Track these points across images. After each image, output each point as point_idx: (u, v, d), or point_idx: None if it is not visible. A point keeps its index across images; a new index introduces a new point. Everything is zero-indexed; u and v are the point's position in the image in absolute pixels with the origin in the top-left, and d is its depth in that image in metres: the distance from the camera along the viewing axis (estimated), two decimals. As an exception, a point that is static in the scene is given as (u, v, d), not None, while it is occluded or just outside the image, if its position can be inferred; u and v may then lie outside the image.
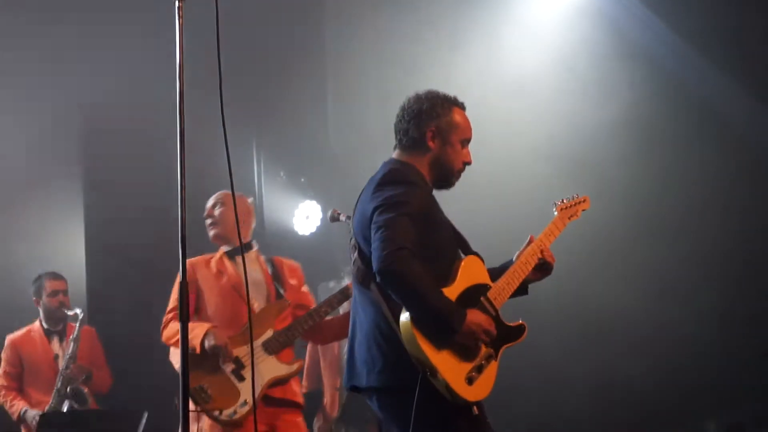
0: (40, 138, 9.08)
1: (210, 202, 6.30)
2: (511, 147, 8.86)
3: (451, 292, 4.41)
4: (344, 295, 6.04)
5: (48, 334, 7.88)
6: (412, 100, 4.75)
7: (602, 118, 8.58)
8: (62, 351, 7.79)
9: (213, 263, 6.18)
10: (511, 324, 4.65)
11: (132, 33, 8.37)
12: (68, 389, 7.56)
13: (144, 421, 7.43)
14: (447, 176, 4.71)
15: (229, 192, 5.38)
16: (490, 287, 4.59)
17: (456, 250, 4.67)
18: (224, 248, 6.22)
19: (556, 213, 5.02)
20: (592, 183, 7.74)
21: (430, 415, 4.30)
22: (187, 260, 4.07)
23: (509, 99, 8.98)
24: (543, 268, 4.81)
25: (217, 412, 5.74)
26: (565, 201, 5.07)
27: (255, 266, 6.21)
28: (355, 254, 4.57)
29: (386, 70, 9.08)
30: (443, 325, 4.33)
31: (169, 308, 6.13)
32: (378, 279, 4.34)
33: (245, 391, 5.79)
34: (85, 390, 7.62)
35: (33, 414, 7.55)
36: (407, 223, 4.36)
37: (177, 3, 4.23)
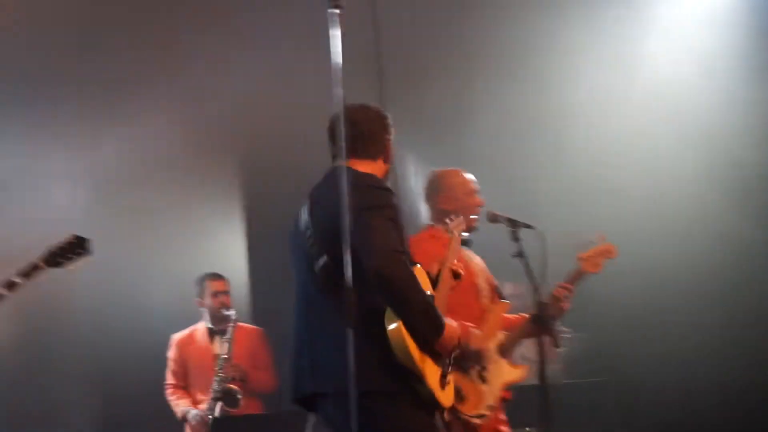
0: (198, 140, 9.19)
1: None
2: (648, 158, 8.71)
3: None
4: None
5: (211, 334, 7.97)
6: (370, 111, 4.83)
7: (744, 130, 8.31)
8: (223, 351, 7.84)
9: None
10: None
11: (289, 39, 8.36)
12: (220, 390, 7.62)
13: (311, 422, 7.49)
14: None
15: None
16: (434, 298, 4.60)
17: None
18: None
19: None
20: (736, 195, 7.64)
21: (411, 422, 4.35)
22: None
23: (642, 108, 8.81)
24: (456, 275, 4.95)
25: (468, 415, 5.66)
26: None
27: (473, 259, 6.10)
28: (324, 259, 4.47)
29: (519, 74, 8.98)
30: (433, 328, 4.36)
31: None
32: (375, 279, 4.26)
33: (488, 394, 5.74)
34: (239, 390, 7.67)
35: (194, 413, 7.67)
36: (392, 227, 4.40)
37: (334, 11, 4.25)
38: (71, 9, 8.38)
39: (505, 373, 5.86)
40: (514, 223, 5.78)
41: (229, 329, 7.79)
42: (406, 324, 4.29)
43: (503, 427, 5.89)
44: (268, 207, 9.40)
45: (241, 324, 8.01)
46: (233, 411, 7.58)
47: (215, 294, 7.98)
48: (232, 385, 7.62)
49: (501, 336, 5.90)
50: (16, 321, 5.42)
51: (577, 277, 5.88)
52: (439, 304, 4.63)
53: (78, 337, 8.74)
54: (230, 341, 7.74)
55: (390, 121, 4.86)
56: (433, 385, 4.37)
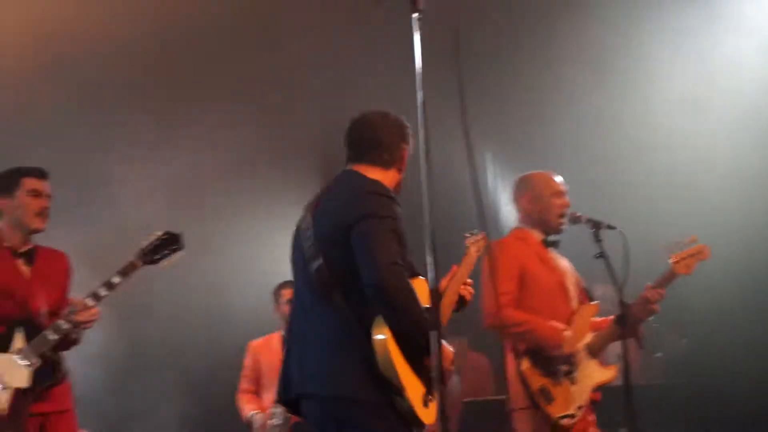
0: (281, 148, 9.33)
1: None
2: (731, 158, 8.61)
3: None
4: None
5: (285, 342, 8.00)
6: (389, 119, 4.77)
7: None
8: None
9: (541, 257, 6.04)
10: None
11: (372, 42, 8.41)
12: None
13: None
14: (398, 193, 4.67)
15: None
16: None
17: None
18: (538, 235, 6.08)
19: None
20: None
21: (396, 428, 4.28)
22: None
23: (724, 108, 8.71)
24: (462, 301, 4.91)
25: (556, 416, 5.68)
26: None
27: (562, 262, 6.10)
28: (319, 261, 4.41)
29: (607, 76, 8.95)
30: (425, 344, 4.13)
31: None
32: (372, 291, 4.22)
33: (578, 395, 5.74)
34: None
35: (258, 417, 7.79)
36: (393, 238, 4.33)
37: (414, 16, 4.27)
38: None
39: (595, 374, 5.85)
40: (596, 224, 5.76)
41: None
42: (398, 336, 4.25)
43: (592, 429, 5.88)
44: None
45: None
46: (294, 418, 7.58)
47: (289, 301, 8.01)
48: None
49: (589, 337, 5.88)
50: (101, 325, 5.50)
51: (669, 279, 5.85)
52: (445, 317, 4.70)
53: (159, 340, 8.96)
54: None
55: (410, 131, 4.78)
56: (413, 400, 4.30)
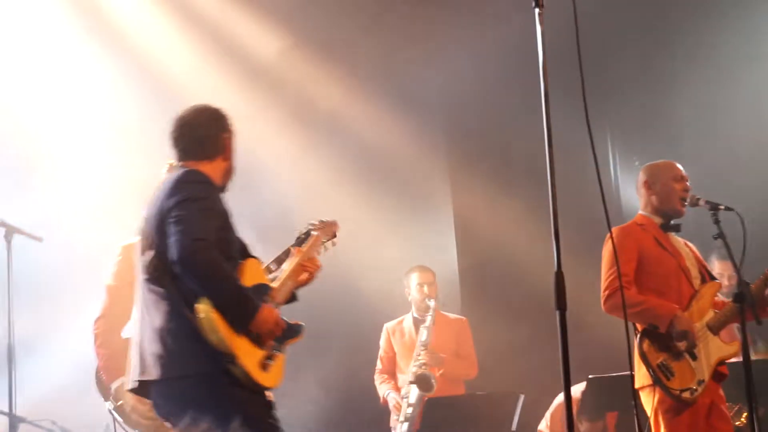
0: (411, 142, 9.37)
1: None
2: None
3: None
4: None
5: (416, 323, 8.09)
6: (198, 111, 4.81)
7: None
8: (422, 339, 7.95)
9: (659, 241, 6.00)
10: (291, 322, 4.69)
11: (492, 36, 8.42)
12: (414, 375, 7.72)
13: (521, 402, 7.51)
14: (229, 183, 4.83)
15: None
16: (271, 288, 4.65)
17: (239, 252, 4.65)
18: (658, 220, 6.04)
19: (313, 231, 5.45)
20: None
21: (230, 401, 4.33)
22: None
23: None
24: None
25: (676, 390, 5.64)
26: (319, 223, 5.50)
27: (681, 245, 6.07)
28: (151, 252, 4.48)
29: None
30: (243, 310, 4.32)
31: None
32: (178, 268, 4.27)
33: (699, 370, 5.69)
34: (433, 375, 7.71)
35: (392, 395, 7.88)
36: (206, 217, 4.42)
37: (537, 11, 4.28)
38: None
39: (717, 350, 5.79)
40: (714, 207, 5.72)
41: (429, 318, 7.90)
42: (219, 308, 4.30)
43: (720, 403, 5.83)
44: (476, 204, 9.51)
45: (443, 313, 8.16)
46: (428, 395, 7.64)
47: (421, 285, 8.09)
48: (427, 371, 7.70)
49: (711, 314, 5.84)
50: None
51: None
52: (282, 292, 4.81)
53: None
54: (429, 329, 7.85)
55: (227, 118, 4.84)
56: (247, 366, 4.36)
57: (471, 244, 9.60)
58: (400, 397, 7.78)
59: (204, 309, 4.29)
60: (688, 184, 5.99)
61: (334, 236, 5.58)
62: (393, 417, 7.88)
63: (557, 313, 4.10)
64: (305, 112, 9.09)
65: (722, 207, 5.69)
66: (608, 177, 9.27)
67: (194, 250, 4.25)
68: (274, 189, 8.86)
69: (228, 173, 4.83)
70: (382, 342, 8.22)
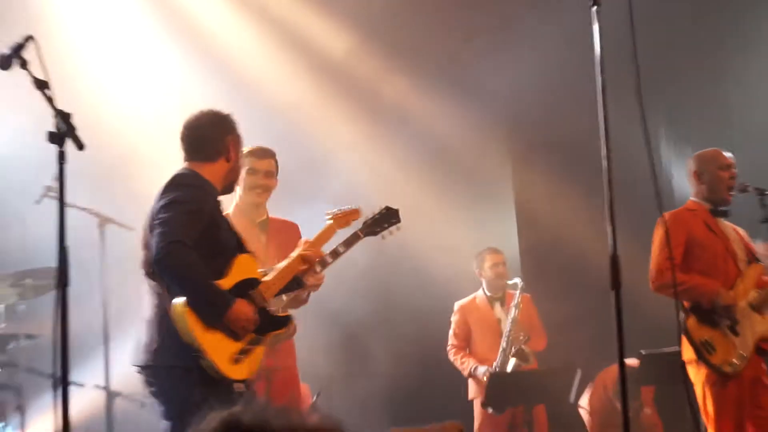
0: (475, 135, 9.51)
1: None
2: None
3: (224, 284, 4.59)
4: None
5: (490, 301, 8.24)
6: (201, 115, 4.88)
7: None
8: (503, 315, 8.10)
9: (709, 225, 6.16)
10: (279, 314, 4.87)
11: (553, 29, 8.51)
12: (513, 349, 7.85)
13: (578, 377, 7.66)
14: (234, 183, 5.01)
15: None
16: (260, 282, 4.74)
17: (234, 249, 4.77)
18: (707, 205, 6.19)
19: (328, 221, 5.40)
20: None
21: (195, 392, 4.39)
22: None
23: None
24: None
25: (718, 365, 5.80)
26: (337, 211, 5.43)
27: (729, 229, 6.20)
28: (145, 250, 4.65)
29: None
30: (212, 309, 4.43)
31: None
32: (156, 268, 4.45)
33: (741, 346, 5.83)
34: (528, 350, 7.88)
35: (482, 369, 7.90)
36: (187, 220, 4.51)
37: (594, 8, 4.43)
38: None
39: (759, 327, 5.91)
40: (761, 192, 5.86)
41: (516, 295, 8.05)
42: (192, 305, 4.44)
43: (763, 377, 5.97)
44: (535, 191, 9.61)
45: (510, 292, 8.23)
46: (525, 366, 7.81)
47: (494, 266, 8.21)
48: (523, 346, 7.85)
49: (754, 293, 5.96)
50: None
51: None
52: (275, 284, 4.90)
53: (374, 304, 9.21)
54: (517, 306, 8.01)
55: (231, 121, 4.92)
56: (216, 360, 4.47)
57: (530, 227, 9.69)
58: (494, 370, 7.84)
59: (177, 306, 4.47)
60: (735, 171, 6.11)
61: (348, 224, 5.59)
62: (477, 388, 7.97)
63: (612, 293, 4.30)
64: (375, 104, 9.24)
65: (770, 192, 5.86)
66: (660, 165, 9.29)
67: (168, 252, 4.39)
68: (346, 176, 9.03)
69: (231, 175, 4.94)
70: (455, 318, 8.27)
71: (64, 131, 3.98)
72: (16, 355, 6.96)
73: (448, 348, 8.27)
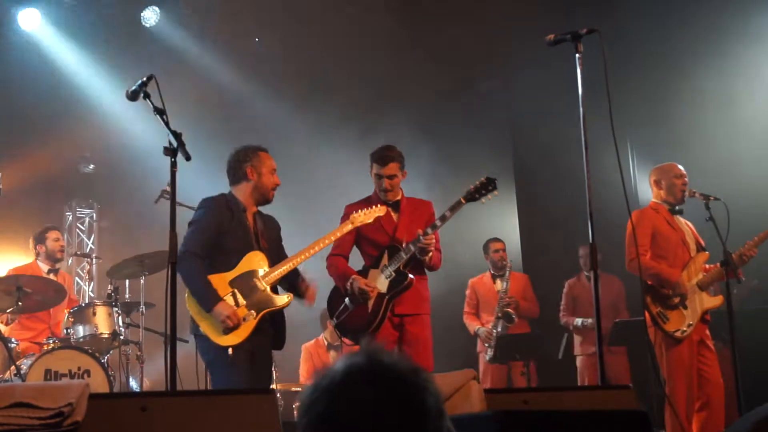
0: (481, 145, 9.46)
1: None
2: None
3: (230, 275, 4.87)
4: None
5: (494, 278, 8.32)
6: (232, 151, 5.12)
7: None
8: (502, 288, 8.17)
9: (668, 221, 6.16)
10: (279, 295, 4.97)
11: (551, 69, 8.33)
12: (501, 312, 7.94)
13: (565, 339, 7.83)
14: (265, 196, 5.09)
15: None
16: (260, 272, 4.92)
17: (244, 249, 4.96)
18: (666, 206, 6.20)
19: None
20: None
21: (210, 352, 4.83)
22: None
23: None
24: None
25: (671, 331, 5.89)
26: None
27: (683, 224, 6.24)
28: None
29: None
30: (201, 304, 4.77)
31: None
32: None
33: (689, 316, 5.92)
34: (513, 312, 7.89)
35: (482, 330, 8.05)
36: (198, 233, 4.89)
37: (577, 55, 4.47)
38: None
39: (704, 302, 6.00)
40: (705, 197, 5.93)
41: (507, 272, 8.12)
42: (191, 295, 4.84)
43: (707, 340, 6.05)
44: (534, 191, 9.62)
45: (513, 272, 8.31)
46: (510, 327, 7.89)
47: (496, 251, 8.32)
48: (509, 309, 7.92)
49: (701, 276, 6.06)
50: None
51: (763, 238, 5.96)
52: (274, 275, 4.98)
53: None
54: (507, 281, 8.08)
55: (250, 152, 5.08)
56: (207, 332, 4.79)
57: (530, 226, 9.70)
58: (490, 329, 7.92)
59: (187, 296, 4.86)
60: (686, 179, 6.18)
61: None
62: (481, 344, 8.10)
63: (591, 272, 4.38)
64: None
65: (712, 197, 5.92)
66: (628, 174, 9.14)
67: (180, 258, 4.48)
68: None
69: (256, 192, 5.09)
70: (469, 291, 8.40)
71: (175, 147, 4.13)
72: (138, 318, 7.20)
73: (463, 313, 8.37)
